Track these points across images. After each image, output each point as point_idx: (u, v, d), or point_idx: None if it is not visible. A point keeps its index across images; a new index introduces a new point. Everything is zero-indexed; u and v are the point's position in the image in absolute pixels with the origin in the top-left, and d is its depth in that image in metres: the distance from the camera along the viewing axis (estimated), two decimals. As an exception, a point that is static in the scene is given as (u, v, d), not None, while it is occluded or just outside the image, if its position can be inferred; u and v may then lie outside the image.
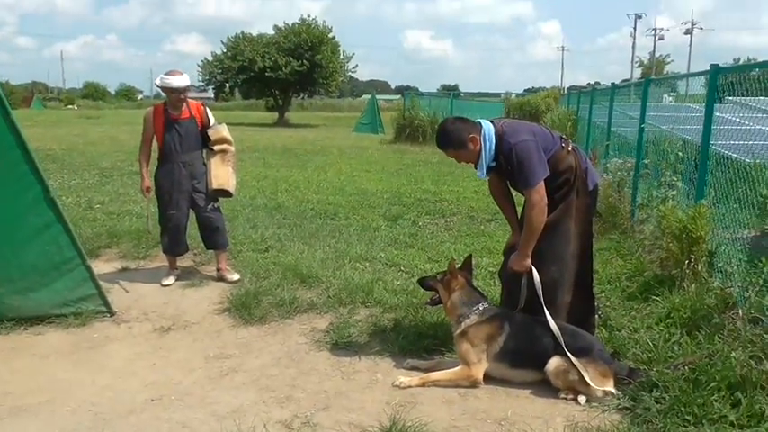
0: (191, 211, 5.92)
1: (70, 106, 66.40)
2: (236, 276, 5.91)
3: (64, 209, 4.87)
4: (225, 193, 5.88)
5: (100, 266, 6.09)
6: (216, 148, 5.80)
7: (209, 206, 5.87)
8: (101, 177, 12.38)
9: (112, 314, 5.02)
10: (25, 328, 4.74)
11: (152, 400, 3.69)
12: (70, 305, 4.88)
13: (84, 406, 3.61)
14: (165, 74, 5.62)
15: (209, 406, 3.63)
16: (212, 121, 5.86)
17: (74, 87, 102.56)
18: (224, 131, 5.85)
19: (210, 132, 5.79)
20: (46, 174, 4.70)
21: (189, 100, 5.81)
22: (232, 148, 5.90)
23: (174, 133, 5.70)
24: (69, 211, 7.79)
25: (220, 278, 5.96)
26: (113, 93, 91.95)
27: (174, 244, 5.96)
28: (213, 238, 5.99)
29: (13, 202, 4.58)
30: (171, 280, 5.91)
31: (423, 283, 4.45)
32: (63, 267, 4.81)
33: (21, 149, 4.46)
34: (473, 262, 4.45)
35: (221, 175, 5.77)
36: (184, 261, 6.47)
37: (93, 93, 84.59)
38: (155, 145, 5.81)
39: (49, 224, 4.68)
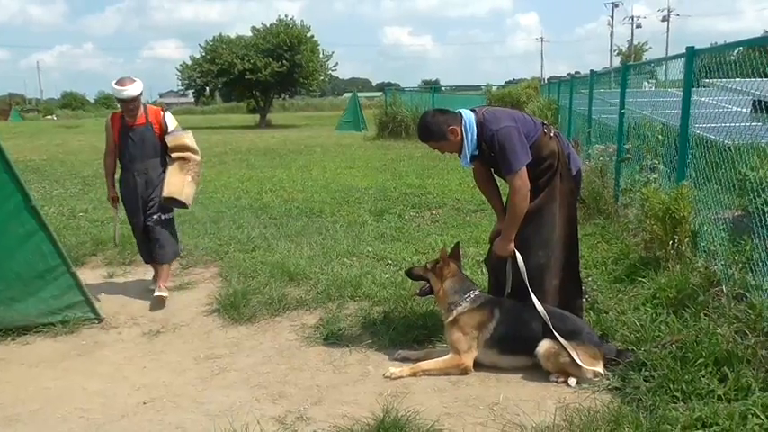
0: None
1: (49, 117, 65.82)
2: (164, 293, 5.48)
3: (47, 218, 4.83)
4: (177, 203, 5.48)
5: (86, 274, 6.06)
6: (174, 155, 5.47)
7: (156, 216, 5.51)
8: (83, 186, 12.29)
9: (100, 320, 4.99)
10: (13, 339, 4.70)
11: (144, 403, 3.68)
12: (57, 313, 4.84)
13: (76, 413, 3.59)
14: (116, 83, 5.30)
15: (201, 406, 3.62)
16: (171, 127, 5.51)
17: (52, 98, 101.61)
18: (185, 139, 5.53)
19: (168, 139, 5.48)
20: (27, 184, 4.66)
21: (149, 106, 5.58)
22: (196, 157, 5.56)
23: (128, 141, 5.44)
24: (53, 221, 7.74)
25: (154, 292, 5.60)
26: (93, 101, 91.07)
27: (142, 252, 5.82)
28: (153, 250, 5.62)
29: (-7, 211, 4.53)
30: (163, 292, 5.59)
31: (410, 273, 4.44)
32: (48, 276, 4.77)
33: (-1, 158, 4.42)
34: (461, 251, 4.47)
35: (174, 183, 5.41)
36: (171, 264, 6.42)
37: (71, 102, 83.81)
38: None
39: (32, 233, 4.65)
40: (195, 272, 6.26)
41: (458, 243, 4.49)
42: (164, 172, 5.50)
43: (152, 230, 5.54)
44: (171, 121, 5.53)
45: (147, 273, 6.22)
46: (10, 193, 4.50)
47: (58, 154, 19.55)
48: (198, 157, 5.60)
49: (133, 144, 5.44)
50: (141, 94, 5.35)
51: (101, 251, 6.98)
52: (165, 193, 5.38)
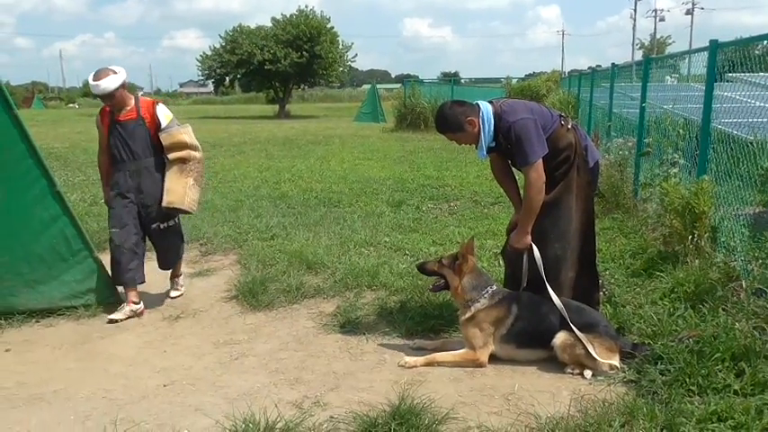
0: (138, 228, 5.04)
1: (71, 105, 66.44)
2: (176, 293, 5.37)
3: (70, 204, 4.92)
4: (179, 211, 5.02)
5: (107, 259, 6.12)
6: (171, 156, 4.88)
7: (155, 225, 5.03)
8: (104, 173, 12.38)
9: (122, 305, 5.06)
10: (37, 321, 4.80)
11: (164, 386, 3.75)
12: (80, 297, 4.94)
13: (98, 393, 3.67)
14: (92, 76, 4.74)
15: (220, 390, 3.68)
16: (164, 122, 4.90)
17: (74, 86, 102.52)
18: (182, 135, 4.92)
19: (163, 137, 4.87)
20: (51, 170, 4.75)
21: (141, 98, 5.04)
22: (197, 155, 4.98)
23: (117, 137, 4.87)
24: (75, 207, 7.78)
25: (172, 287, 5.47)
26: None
27: (117, 270, 4.94)
28: (165, 258, 5.30)
29: (19, 195, 4.63)
30: (120, 314, 4.82)
31: (423, 268, 4.31)
32: (71, 260, 4.87)
33: (25, 144, 4.52)
34: (476, 244, 4.47)
35: (175, 189, 4.86)
36: (191, 251, 6.52)
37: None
38: None
39: (56, 217, 4.74)
40: (215, 259, 6.33)
41: (472, 237, 4.49)
42: (162, 175, 4.95)
43: (155, 240, 5.18)
44: (164, 116, 4.92)
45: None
46: (35, 178, 4.60)
47: (79, 142, 19.74)
48: (199, 155, 5.02)
49: (123, 141, 4.88)
50: (123, 85, 4.82)
51: (122, 237, 7.05)
52: (165, 203, 4.88)
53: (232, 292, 5.36)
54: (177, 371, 3.96)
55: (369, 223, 7.55)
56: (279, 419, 3.20)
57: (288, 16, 42.37)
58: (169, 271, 5.44)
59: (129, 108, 4.89)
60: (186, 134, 4.95)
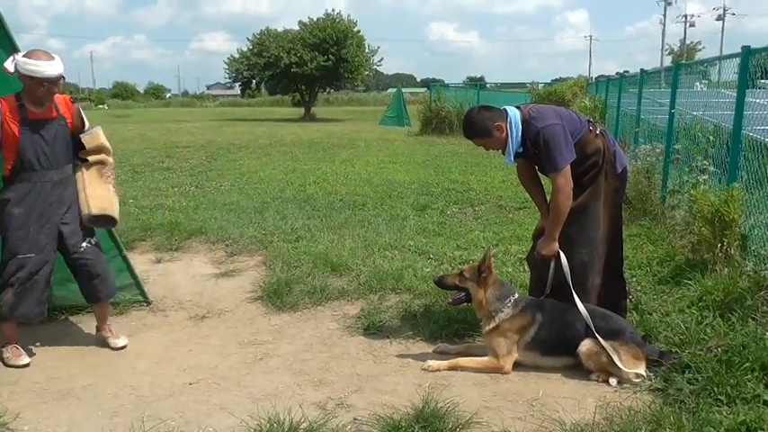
0: (56, 252, 4.15)
1: (100, 106, 67.41)
2: (121, 342, 4.36)
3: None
4: (107, 221, 4.27)
5: (135, 258, 6.20)
6: (92, 158, 4.22)
7: (85, 243, 4.19)
8: (132, 174, 12.59)
9: (149, 303, 5.14)
10: (66, 318, 4.88)
11: (190, 384, 3.80)
12: (108, 294, 4.98)
13: (126, 390, 3.73)
14: (29, 56, 3.81)
15: (245, 389, 3.72)
16: (87, 123, 4.25)
17: (104, 87, 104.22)
18: (102, 137, 4.27)
19: (86, 139, 4.18)
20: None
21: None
22: (111, 159, 4.33)
23: (36, 140, 3.95)
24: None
25: (102, 341, 4.42)
26: (142, 91, 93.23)
27: (27, 302, 4.01)
28: (92, 286, 4.30)
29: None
30: (24, 359, 4.08)
31: (442, 283, 4.26)
32: (101, 258, 4.91)
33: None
34: (493, 252, 4.41)
35: (101, 195, 4.18)
36: (217, 251, 6.60)
37: (122, 92, 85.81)
38: None
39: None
40: (240, 260, 6.38)
41: (489, 248, 4.46)
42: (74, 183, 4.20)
43: (88, 262, 4.21)
44: (84, 115, 4.26)
45: (194, 258, 6.40)
46: (68, 177, 4.65)
47: (108, 142, 20.03)
48: (112, 159, 4.37)
49: (45, 144, 3.99)
50: (63, 76, 3.98)
51: (149, 237, 7.16)
52: (96, 210, 4.14)
53: (257, 292, 5.40)
54: (203, 370, 4.00)
55: (393, 226, 7.56)
56: (303, 420, 3.22)
57: (315, 20, 42.55)
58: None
59: (48, 104, 4.02)
60: (103, 136, 4.31)
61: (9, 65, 3.81)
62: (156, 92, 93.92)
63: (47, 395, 3.67)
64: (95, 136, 4.24)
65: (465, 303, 4.17)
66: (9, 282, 3.97)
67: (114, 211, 4.24)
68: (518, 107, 4.12)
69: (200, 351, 4.33)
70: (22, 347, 4.16)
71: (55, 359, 4.19)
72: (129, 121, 35.00)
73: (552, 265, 4.13)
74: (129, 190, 10.37)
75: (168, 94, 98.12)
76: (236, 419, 3.32)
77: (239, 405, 3.51)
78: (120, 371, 4.00)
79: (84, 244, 4.19)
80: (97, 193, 4.18)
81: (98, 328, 4.47)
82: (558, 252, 4.03)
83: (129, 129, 27.19)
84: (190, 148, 18.13)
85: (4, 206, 3.96)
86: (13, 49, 4.01)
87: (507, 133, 4.01)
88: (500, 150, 4.15)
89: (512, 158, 4.09)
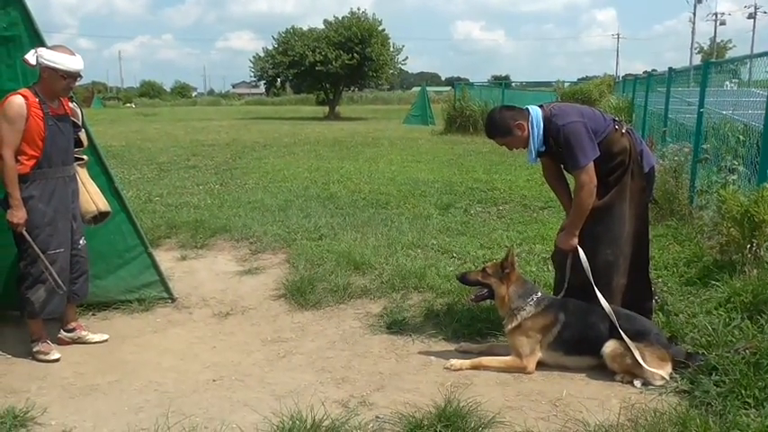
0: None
1: (128, 104, 68.34)
2: (96, 337, 4.43)
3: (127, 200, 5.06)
4: (104, 217, 4.43)
5: (160, 255, 6.26)
6: (84, 156, 4.36)
7: (83, 240, 4.31)
8: (159, 172, 12.74)
9: (174, 300, 5.19)
10: (93, 314, 4.94)
11: (213, 381, 3.83)
12: (134, 291, 5.07)
13: (151, 385, 3.77)
14: (56, 50, 3.87)
15: (268, 386, 3.74)
16: (80, 120, 4.29)
17: (131, 86, 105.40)
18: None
19: (83, 137, 4.29)
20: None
21: None
22: (86, 157, 4.42)
23: (58, 135, 3.98)
24: (130, 204, 8.08)
25: (76, 339, 4.40)
26: (169, 90, 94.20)
27: (57, 298, 4.11)
28: (80, 283, 4.36)
29: (80, 191, 4.72)
30: (55, 354, 4.14)
31: (465, 279, 4.27)
32: (127, 255, 4.99)
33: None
34: (516, 251, 4.39)
35: (99, 192, 4.38)
36: (241, 249, 6.65)
37: (149, 91, 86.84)
38: None
39: (114, 213, 4.84)
40: (264, 257, 6.42)
41: (512, 247, 4.43)
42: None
43: (79, 260, 4.29)
44: (80, 113, 4.30)
45: (218, 256, 6.46)
46: (96, 174, 4.70)
47: (135, 140, 20.32)
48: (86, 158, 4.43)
49: (64, 140, 4.06)
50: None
51: (174, 234, 7.24)
52: (103, 206, 4.34)
53: (280, 290, 5.43)
54: (226, 366, 4.04)
55: (416, 225, 7.55)
56: (325, 417, 3.24)
57: (340, 18, 42.62)
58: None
59: (59, 101, 4.06)
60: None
61: (31, 57, 3.83)
62: (182, 90, 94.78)
63: (74, 390, 3.73)
64: (85, 133, 4.34)
65: (487, 300, 4.18)
66: (40, 278, 4.01)
67: (108, 208, 4.42)
68: (540, 106, 4.10)
69: (224, 348, 4.37)
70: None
71: (82, 354, 4.25)
72: (155, 120, 35.43)
73: (569, 261, 4.10)
74: (155, 188, 10.51)
75: (194, 93, 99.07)
76: (258, 416, 3.34)
77: (262, 402, 3.53)
78: (145, 367, 4.05)
79: (82, 241, 4.31)
80: (96, 190, 4.35)
81: (71, 329, 4.40)
82: (577, 248, 4.00)
83: (155, 127, 27.53)
84: (215, 146, 18.30)
85: (30, 203, 3.93)
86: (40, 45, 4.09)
87: (529, 132, 4.00)
88: (524, 149, 4.13)
89: (534, 156, 4.08)
